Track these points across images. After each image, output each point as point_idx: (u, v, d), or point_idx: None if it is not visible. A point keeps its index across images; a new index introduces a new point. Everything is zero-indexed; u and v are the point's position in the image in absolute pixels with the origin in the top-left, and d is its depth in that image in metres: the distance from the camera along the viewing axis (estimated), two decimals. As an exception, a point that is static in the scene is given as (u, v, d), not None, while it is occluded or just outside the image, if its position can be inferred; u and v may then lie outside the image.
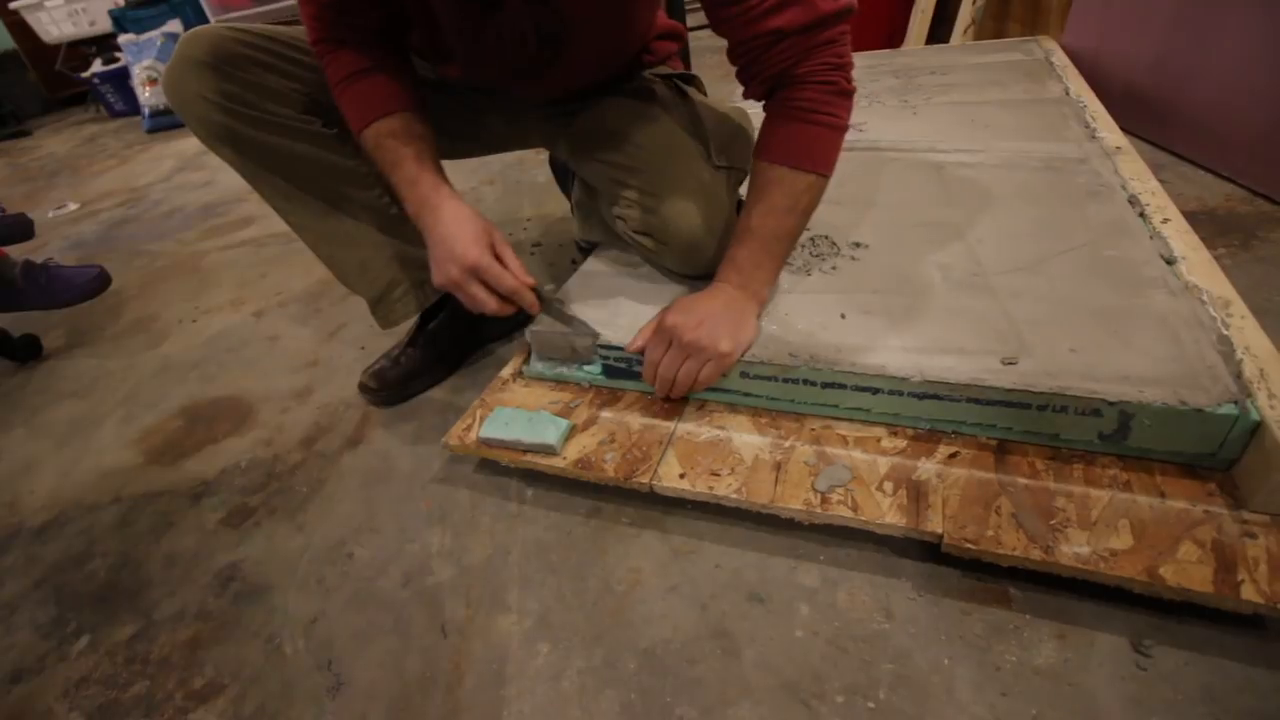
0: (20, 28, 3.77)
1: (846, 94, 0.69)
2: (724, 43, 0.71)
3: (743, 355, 0.73)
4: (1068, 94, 1.26)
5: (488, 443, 0.78)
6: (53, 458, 1.05)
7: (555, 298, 0.80)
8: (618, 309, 0.85)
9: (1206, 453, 0.61)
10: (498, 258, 0.73)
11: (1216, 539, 0.56)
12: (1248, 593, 0.52)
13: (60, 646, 0.74)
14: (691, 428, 0.76)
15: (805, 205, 0.72)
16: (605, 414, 0.80)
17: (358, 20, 0.73)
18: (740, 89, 0.75)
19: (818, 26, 0.64)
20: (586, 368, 0.84)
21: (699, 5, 0.72)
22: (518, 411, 0.79)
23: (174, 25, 3.32)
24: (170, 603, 0.76)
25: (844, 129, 0.70)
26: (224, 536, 0.84)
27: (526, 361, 0.89)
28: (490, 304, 0.73)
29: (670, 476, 0.70)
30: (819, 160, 0.70)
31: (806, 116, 0.68)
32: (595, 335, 0.80)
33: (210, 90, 0.76)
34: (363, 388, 1.00)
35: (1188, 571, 0.54)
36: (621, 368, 0.80)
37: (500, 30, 0.72)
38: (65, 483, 0.99)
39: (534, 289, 0.76)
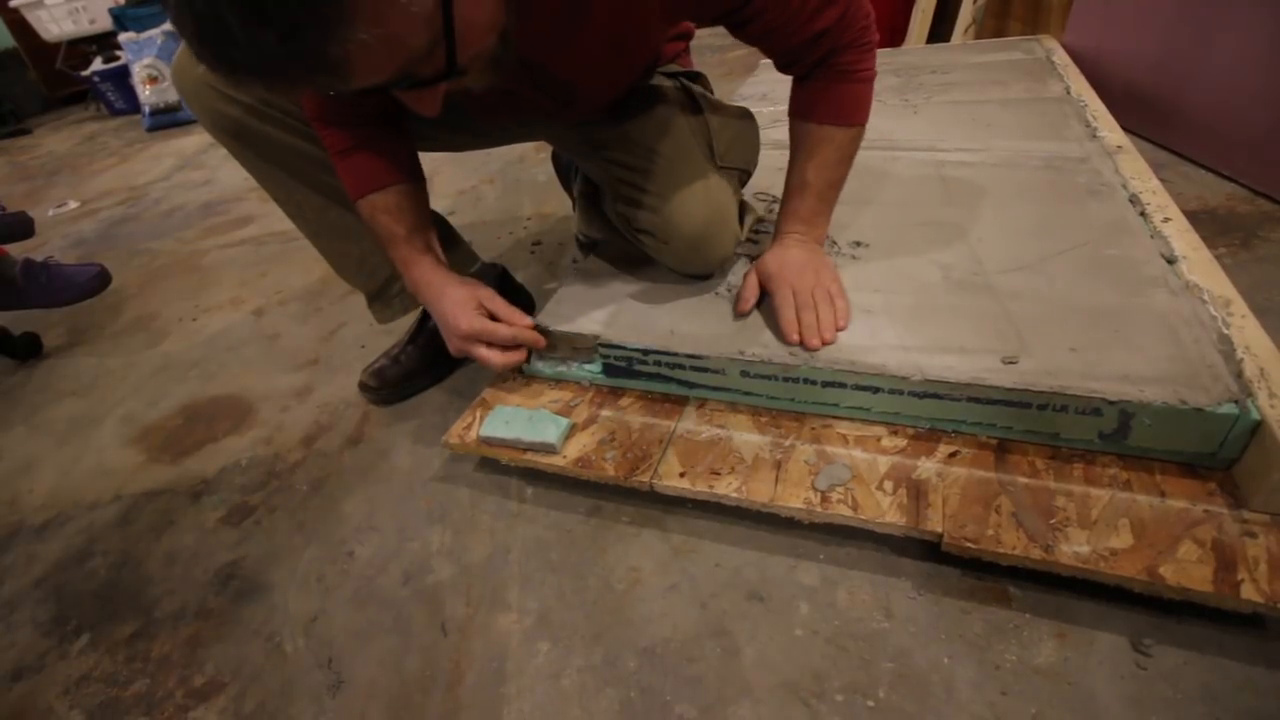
0: (20, 26, 3.76)
1: (874, 46, 0.73)
2: (725, 41, 0.71)
3: None
4: (1069, 93, 1.25)
5: (488, 441, 0.78)
6: (53, 456, 1.05)
7: (558, 330, 0.81)
8: (618, 308, 0.85)
9: (1207, 452, 0.61)
10: (493, 314, 0.76)
11: (1216, 538, 0.56)
12: (1248, 592, 0.52)
13: (61, 645, 0.74)
14: (691, 426, 0.76)
15: (852, 153, 0.78)
16: (605, 413, 0.80)
17: (352, 110, 0.74)
18: (738, 86, 0.75)
19: (848, 13, 0.68)
20: (587, 366, 0.84)
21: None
22: (518, 410, 0.79)
23: (174, 24, 3.31)
24: (170, 601, 0.77)
25: (873, 78, 0.74)
26: (224, 535, 0.84)
27: (527, 360, 0.89)
28: (496, 360, 0.76)
29: (670, 475, 0.70)
30: (862, 113, 0.75)
31: (847, 76, 0.72)
32: (595, 336, 0.80)
33: (220, 81, 0.76)
34: (363, 386, 1.00)
35: (1188, 571, 0.54)
36: (622, 366, 0.80)
37: (515, 104, 0.75)
38: (65, 481, 0.99)
39: (537, 325, 0.78)
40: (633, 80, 0.81)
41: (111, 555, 0.84)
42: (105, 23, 3.55)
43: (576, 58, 0.67)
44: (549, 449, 0.75)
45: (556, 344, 0.84)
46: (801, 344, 0.73)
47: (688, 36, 0.97)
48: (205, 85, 0.76)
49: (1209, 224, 1.07)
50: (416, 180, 0.80)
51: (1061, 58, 1.44)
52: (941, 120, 1.23)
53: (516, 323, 0.77)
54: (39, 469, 1.03)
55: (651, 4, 0.64)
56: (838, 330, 0.74)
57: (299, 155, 0.82)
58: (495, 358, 0.76)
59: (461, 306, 0.75)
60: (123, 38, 3.32)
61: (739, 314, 0.79)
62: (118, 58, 3.50)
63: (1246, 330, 0.66)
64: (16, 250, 1.35)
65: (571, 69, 0.69)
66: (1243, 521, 0.57)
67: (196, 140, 2.90)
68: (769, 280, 0.78)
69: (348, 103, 0.74)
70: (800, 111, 0.76)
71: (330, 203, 0.87)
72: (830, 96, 0.73)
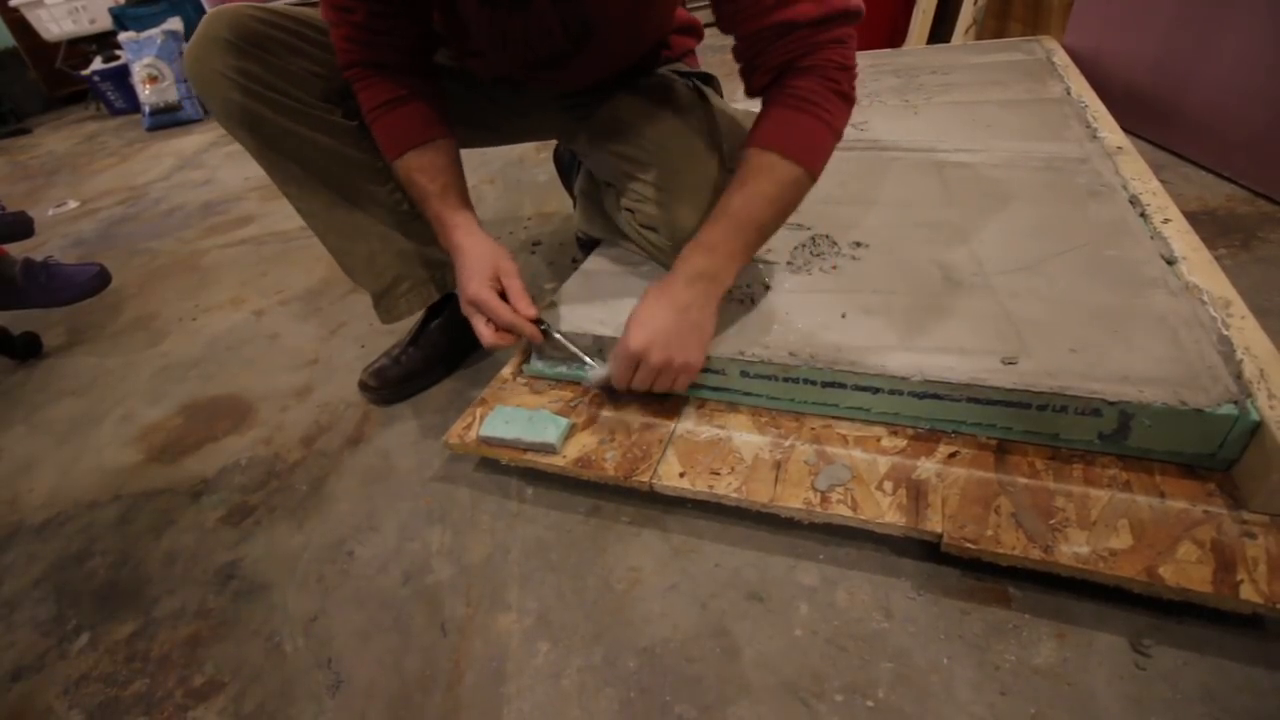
0: (20, 25, 3.77)
1: (845, 97, 0.67)
2: (728, 42, 0.71)
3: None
4: (1069, 94, 1.26)
5: (488, 441, 0.78)
6: (53, 456, 1.05)
7: (558, 331, 0.80)
8: (618, 308, 0.85)
9: (1206, 453, 0.61)
10: (505, 289, 0.75)
11: (1216, 539, 0.56)
12: (1247, 593, 0.52)
13: (60, 644, 0.74)
14: (691, 426, 0.76)
15: (789, 200, 0.69)
16: (605, 413, 0.80)
17: (395, 40, 0.74)
18: (740, 86, 0.74)
19: (828, 22, 0.63)
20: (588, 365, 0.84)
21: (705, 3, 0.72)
22: (518, 410, 0.79)
23: (174, 23, 3.32)
24: (170, 600, 0.76)
25: (838, 133, 0.68)
26: (224, 534, 0.84)
27: (526, 360, 0.89)
28: (486, 337, 0.75)
29: (670, 475, 0.70)
30: (810, 154, 0.67)
31: (804, 106, 0.66)
32: (590, 367, 0.78)
33: (232, 69, 0.76)
34: (363, 386, 1.00)
35: (1187, 571, 0.54)
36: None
37: (527, 24, 0.73)
38: (65, 481, 0.99)
39: (538, 320, 0.77)
40: (645, 31, 0.80)
41: (111, 555, 0.84)
42: (105, 22, 3.55)
43: None
44: (549, 449, 0.75)
45: (551, 348, 0.83)
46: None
47: (697, 35, 0.97)
48: (219, 75, 0.76)
49: (1209, 225, 1.07)
50: (448, 136, 0.80)
51: (1062, 58, 1.44)
52: (942, 120, 1.23)
53: (520, 309, 0.75)
54: (39, 468, 1.03)
55: None
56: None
57: (313, 147, 0.82)
58: (487, 335, 0.74)
59: (478, 270, 0.74)
60: (123, 37, 3.32)
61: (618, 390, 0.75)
62: (117, 57, 3.50)
63: (1246, 331, 0.66)
64: (16, 250, 1.35)
65: None
66: (1242, 522, 0.57)
67: (197, 140, 2.90)
68: (626, 348, 0.69)
69: (386, 35, 0.73)
70: (749, 136, 0.69)
71: (340, 199, 0.87)
72: (781, 120, 0.67)
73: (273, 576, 0.77)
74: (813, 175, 0.69)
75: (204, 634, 0.72)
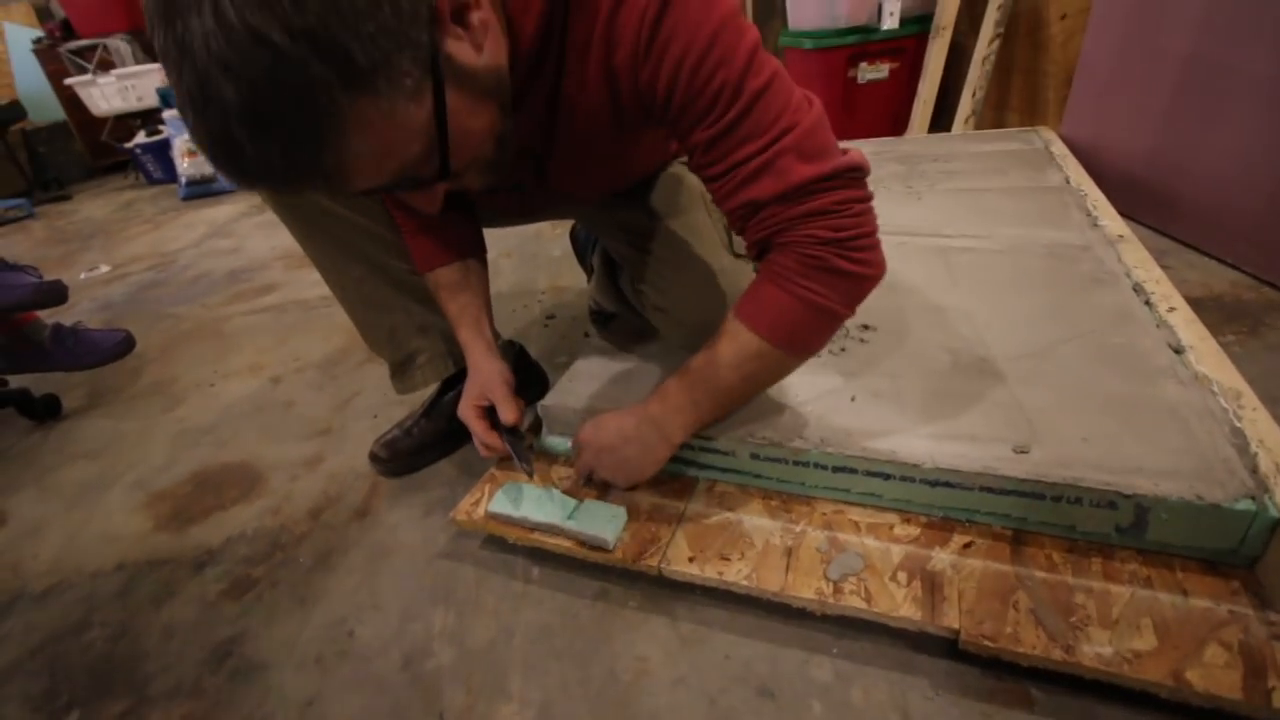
0: (72, 101, 4.02)
1: (836, 272, 0.59)
2: None
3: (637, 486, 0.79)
4: (1068, 182, 1.30)
5: (495, 518, 0.78)
6: (60, 520, 1.05)
7: (525, 443, 0.81)
8: (628, 386, 0.87)
9: (1227, 549, 0.60)
10: (493, 401, 0.79)
11: (1244, 641, 0.54)
12: (1279, 701, 0.50)
13: (49, 723, 0.72)
14: (701, 508, 0.76)
15: (751, 372, 0.66)
16: (615, 491, 0.80)
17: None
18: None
19: (795, 195, 0.57)
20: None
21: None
22: (528, 487, 0.79)
23: (216, 102, 3.52)
24: (165, 678, 0.75)
25: (825, 309, 0.60)
26: (224, 608, 0.83)
27: (538, 435, 0.89)
28: (480, 449, 0.80)
29: (679, 560, 0.69)
30: (779, 332, 0.63)
31: (779, 282, 0.61)
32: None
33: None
34: (373, 457, 1.00)
35: (1215, 676, 0.52)
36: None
37: (523, 200, 0.81)
38: (70, 547, 0.99)
39: (513, 429, 0.79)
40: (628, 183, 0.86)
41: (110, 627, 0.83)
42: (152, 100, 3.78)
43: (566, 165, 0.71)
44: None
45: (568, 419, 0.84)
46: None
47: None
48: None
49: (1215, 311, 1.08)
50: (476, 257, 0.86)
51: (1059, 148, 1.50)
52: (945, 207, 1.27)
53: (489, 438, 0.79)
54: (46, 533, 1.03)
55: (606, 119, 0.63)
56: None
57: (347, 225, 0.86)
58: (480, 447, 0.80)
59: (469, 389, 0.81)
60: (167, 114, 3.53)
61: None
62: (160, 131, 3.71)
63: (1259, 423, 0.66)
64: (47, 315, 1.39)
65: (563, 175, 0.73)
66: (1269, 623, 0.55)
67: (228, 210, 3.03)
68: (583, 442, 0.76)
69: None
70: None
71: (369, 273, 0.90)
72: (753, 292, 0.64)
73: (270, 656, 0.75)
74: (785, 350, 0.64)
75: (196, 716, 0.70)
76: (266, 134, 0.40)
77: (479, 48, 0.49)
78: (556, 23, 0.57)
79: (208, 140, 0.41)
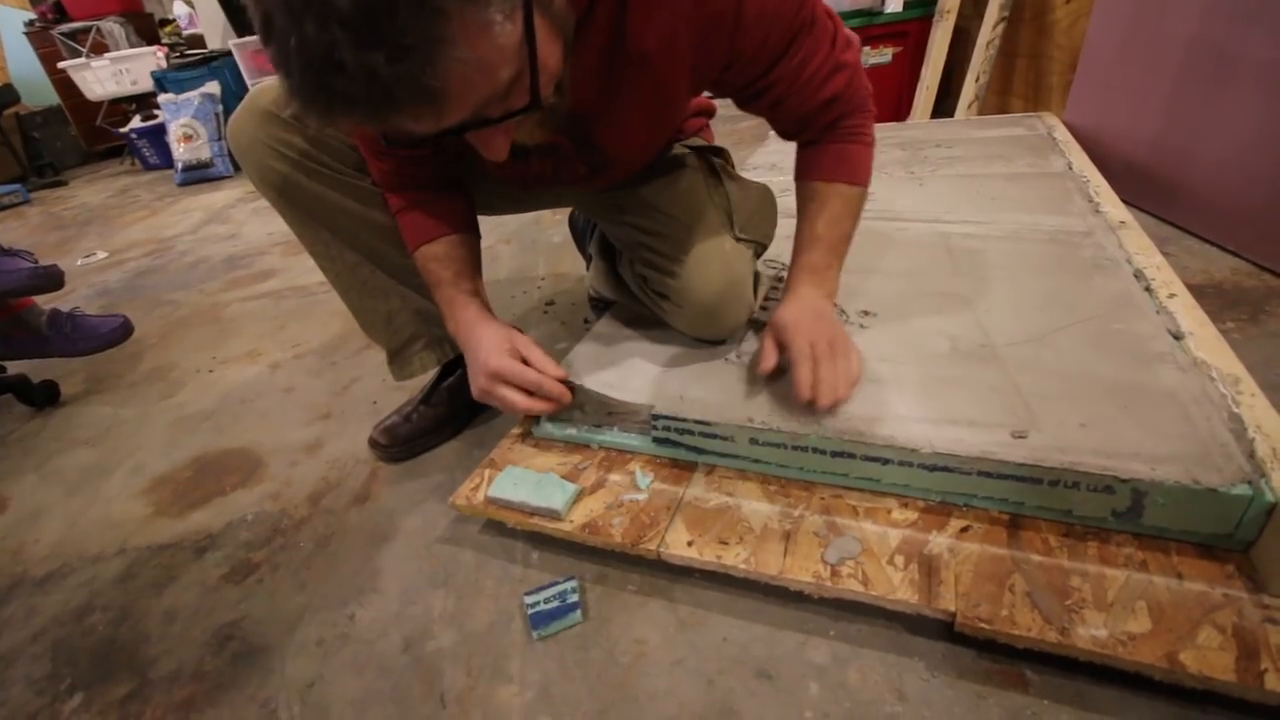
0: (66, 85, 3.98)
1: (873, 114, 0.78)
2: (736, 112, 0.75)
3: None
4: (1070, 169, 1.29)
5: (495, 503, 0.78)
6: (61, 506, 1.06)
7: (590, 389, 0.80)
8: (629, 371, 0.86)
9: (1223, 533, 0.60)
10: (525, 359, 0.76)
11: (1237, 624, 0.54)
12: (1272, 683, 0.50)
13: (53, 704, 0.72)
14: (700, 493, 0.76)
15: (858, 212, 0.80)
16: (613, 477, 0.80)
17: (422, 175, 0.81)
18: (748, 155, 0.78)
19: (855, 75, 0.73)
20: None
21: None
22: (526, 472, 0.79)
23: (212, 86, 3.50)
24: (167, 661, 0.75)
25: (874, 144, 0.79)
26: (226, 593, 0.83)
27: (536, 422, 0.89)
28: (519, 403, 0.75)
29: (678, 544, 0.70)
30: (865, 174, 0.78)
31: (852, 138, 0.76)
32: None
33: (274, 139, 0.80)
34: (373, 443, 1.01)
35: (1209, 659, 0.52)
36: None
37: (557, 166, 0.78)
38: (72, 532, 0.99)
39: (565, 380, 0.77)
40: (658, 148, 0.85)
41: (111, 611, 0.83)
42: (147, 84, 3.75)
43: (615, 121, 0.70)
44: (554, 515, 0.75)
45: (584, 404, 0.84)
46: (813, 403, 0.70)
47: (710, 114, 1.01)
48: (259, 142, 0.81)
49: (1215, 298, 1.08)
50: (468, 233, 0.84)
51: (1062, 134, 1.49)
52: (947, 193, 1.26)
53: (548, 371, 0.76)
54: (46, 519, 1.03)
55: (682, 75, 0.67)
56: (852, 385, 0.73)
57: (342, 213, 0.86)
58: (520, 401, 0.75)
59: (494, 345, 0.76)
60: (162, 99, 3.50)
61: (761, 373, 0.76)
62: (155, 116, 3.68)
63: (1257, 409, 0.66)
64: (43, 301, 1.39)
65: (608, 132, 0.72)
66: (1263, 607, 0.56)
67: (225, 195, 3.01)
68: (784, 331, 0.75)
69: (411, 169, 0.79)
70: (808, 172, 0.79)
71: (365, 260, 0.90)
72: (838, 155, 0.77)
73: (272, 639, 0.76)
74: (867, 189, 0.80)
75: (198, 698, 0.70)
76: (373, 38, 0.38)
77: None
78: None
79: (300, 54, 0.39)
